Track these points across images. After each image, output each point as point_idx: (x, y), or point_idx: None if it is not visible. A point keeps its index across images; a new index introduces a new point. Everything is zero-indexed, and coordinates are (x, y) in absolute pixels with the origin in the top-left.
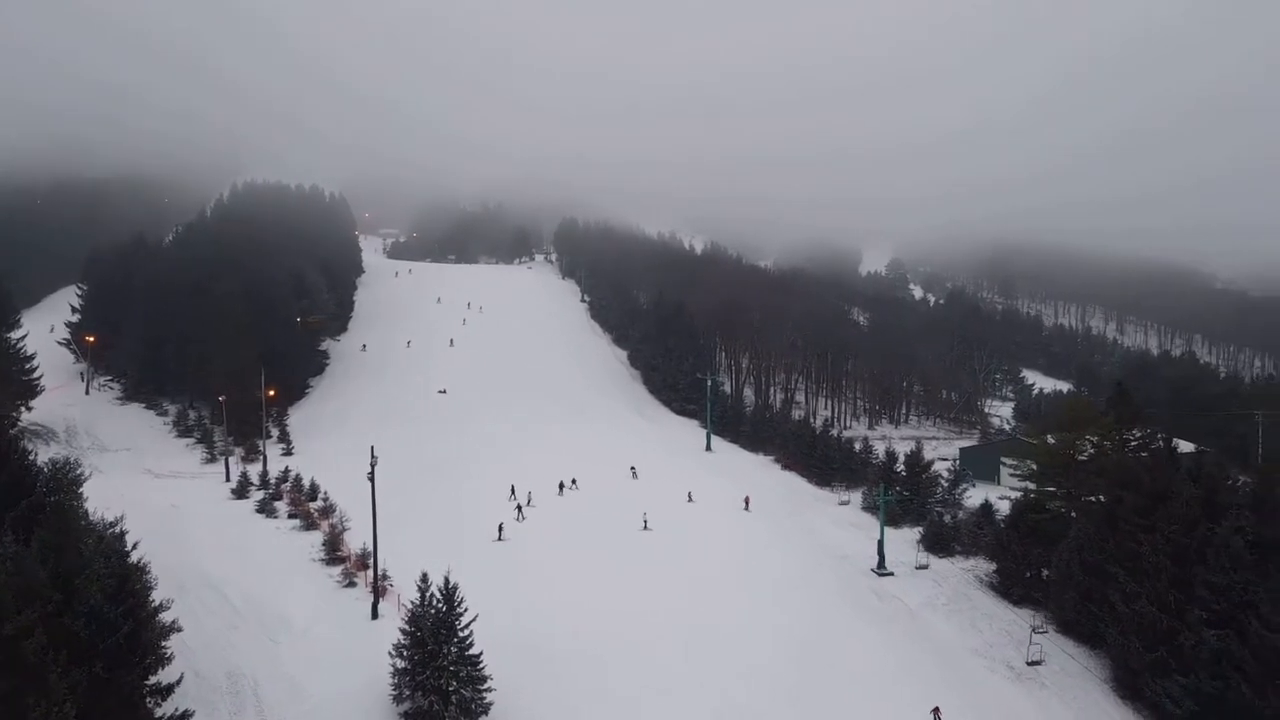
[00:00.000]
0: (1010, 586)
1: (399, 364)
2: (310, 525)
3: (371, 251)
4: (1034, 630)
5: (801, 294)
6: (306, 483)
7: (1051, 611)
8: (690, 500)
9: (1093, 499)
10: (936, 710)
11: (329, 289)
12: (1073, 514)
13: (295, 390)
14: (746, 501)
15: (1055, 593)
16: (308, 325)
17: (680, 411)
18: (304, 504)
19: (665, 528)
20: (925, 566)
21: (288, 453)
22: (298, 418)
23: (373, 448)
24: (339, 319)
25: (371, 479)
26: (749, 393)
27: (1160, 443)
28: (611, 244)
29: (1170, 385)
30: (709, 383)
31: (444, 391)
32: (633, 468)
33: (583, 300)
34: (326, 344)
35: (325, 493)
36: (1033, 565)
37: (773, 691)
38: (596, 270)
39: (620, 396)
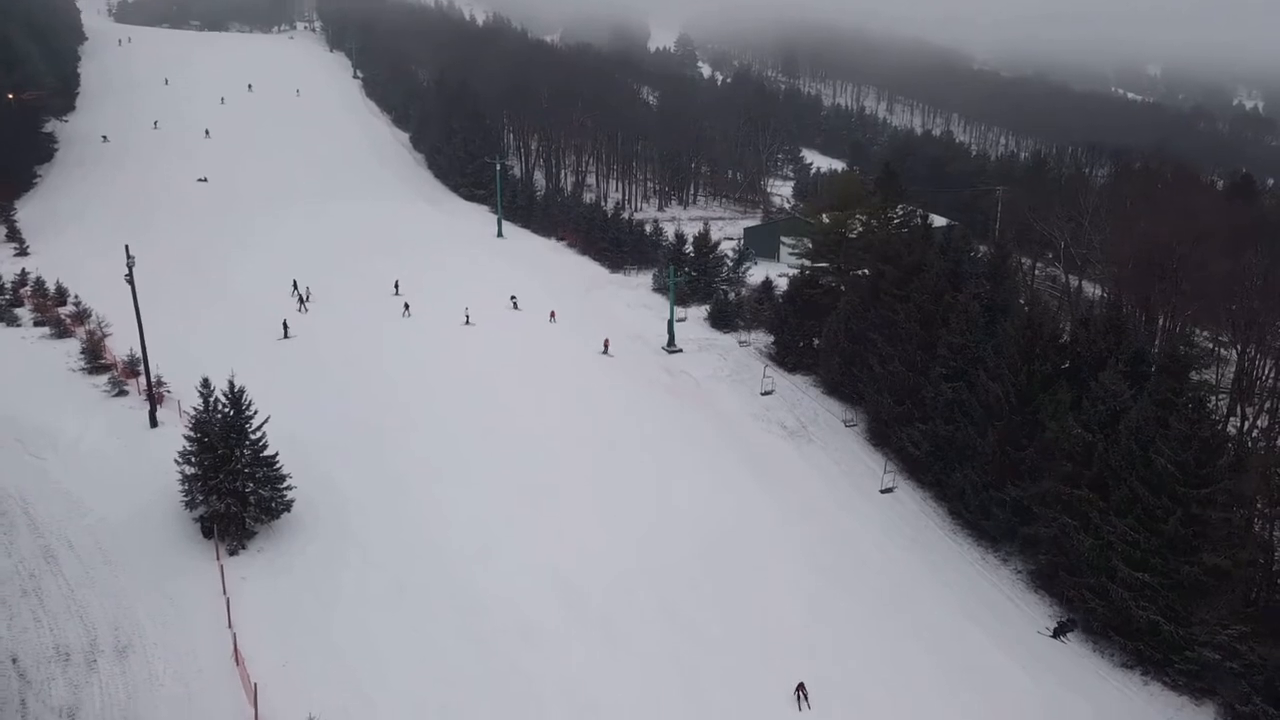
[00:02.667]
0: (786, 356)
1: (145, 149)
2: (63, 333)
3: (94, 14)
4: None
5: (591, 72)
6: (51, 286)
7: (820, 376)
8: (488, 294)
9: (860, 273)
10: (801, 686)
11: (43, 58)
12: (842, 288)
13: (19, 180)
14: (552, 315)
15: (824, 359)
16: (22, 101)
17: (469, 197)
18: (51, 309)
19: (440, 314)
20: (711, 341)
21: (22, 253)
22: (27, 213)
23: (127, 246)
24: (63, 96)
25: (130, 280)
26: (539, 176)
27: (919, 220)
28: (385, 12)
29: (929, 163)
30: (498, 166)
31: (204, 180)
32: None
33: (355, 77)
34: (52, 126)
35: (76, 297)
36: (806, 336)
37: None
38: (369, 43)
39: (405, 182)
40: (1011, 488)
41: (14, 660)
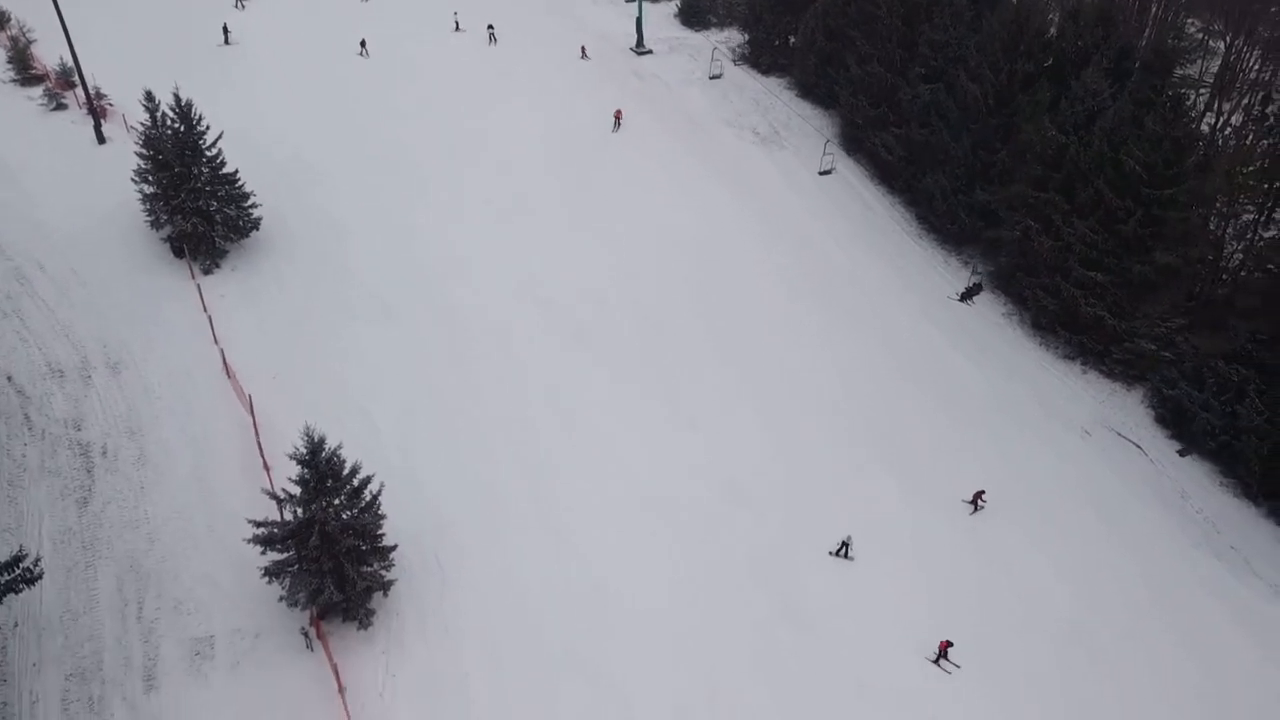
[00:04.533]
0: (760, 56)
1: None
2: None
3: None
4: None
5: None
6: None
7: (794, 77)
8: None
9: None
10: (945, 644)
11: None
12: None
13: None
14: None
15: (799, 59)
16: None
17: None
18: None
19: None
20: (682, 41)
21: None
22: None
23: None
24: None
25: None
26: None
27: None
28: None
29: None
30: None
31: None
32: None
33: None
34: None
35: None
36: (781, 34)
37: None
38: None
39: None
40: (980, 192)
41: (9, 378)
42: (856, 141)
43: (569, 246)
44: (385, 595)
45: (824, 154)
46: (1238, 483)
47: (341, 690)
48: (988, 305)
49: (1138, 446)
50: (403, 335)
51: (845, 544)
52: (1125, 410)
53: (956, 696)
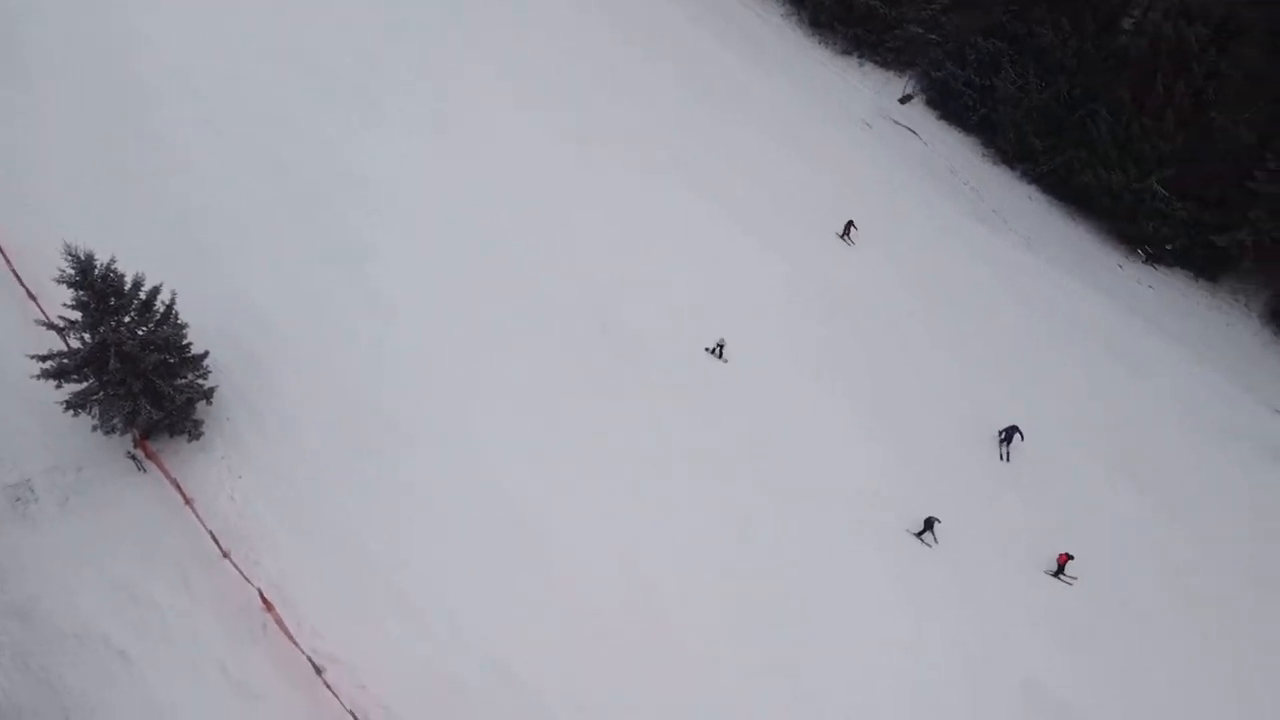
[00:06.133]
0: None
1: None
2: None
3: None
4: None
5: None
6: None
7: None
8: None
9: None
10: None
11: None
12: None
13: None
14: None
15: None
16: None
17: None
18: None
19: None
20: None
21: None
22: None
23: None
24: None
25: None
26: None
27: None
28: None
29: None
30: None
31: None
32: None
33: None
34: None
35: None
36: None
37: None
38: None
39: None
40: None
41: None
42: None
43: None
44: (210, 403)
45: None
46: (996, 152)
47: (189, 502)
48: (767, 6)
49: (912, 131)
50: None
51: None
52: (899, 98)
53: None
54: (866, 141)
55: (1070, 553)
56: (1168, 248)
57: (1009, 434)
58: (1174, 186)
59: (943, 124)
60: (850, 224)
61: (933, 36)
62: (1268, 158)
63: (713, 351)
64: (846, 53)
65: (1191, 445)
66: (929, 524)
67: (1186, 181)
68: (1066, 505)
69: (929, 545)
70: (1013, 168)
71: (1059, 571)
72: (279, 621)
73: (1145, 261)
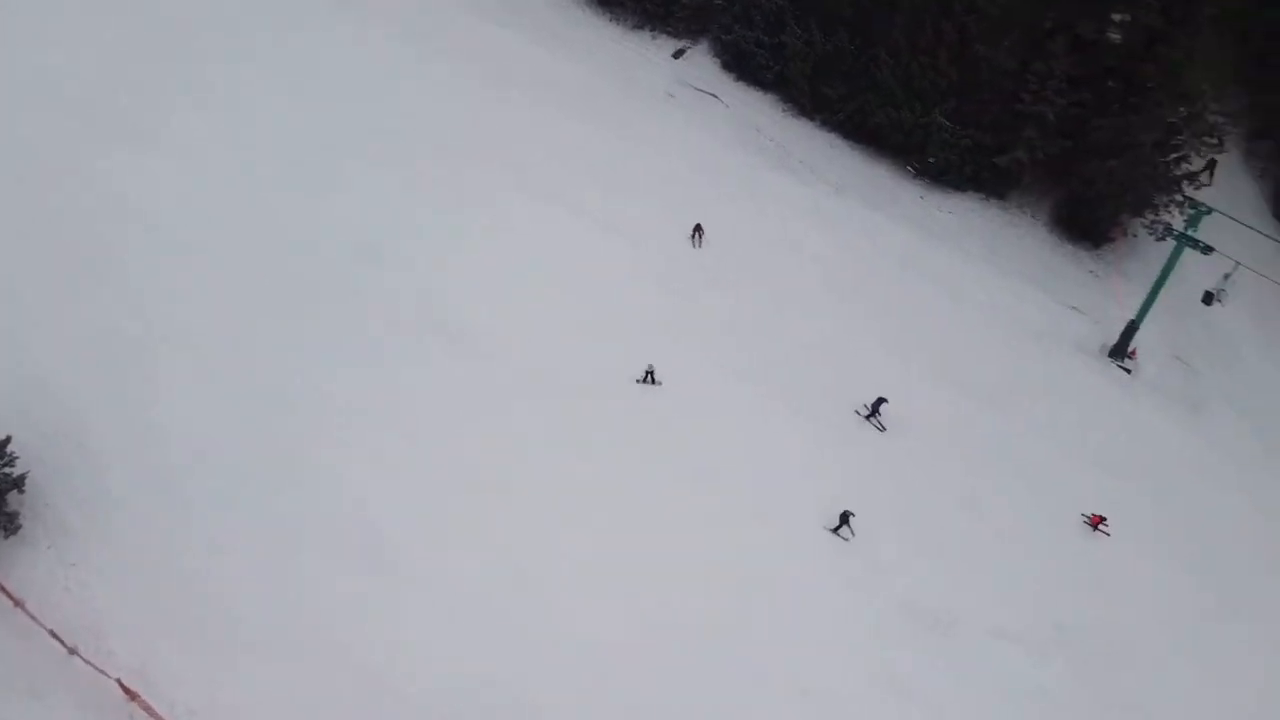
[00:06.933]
0: None
1: None
2: None
3: None
4: None
5: None
6: None
7: None
8: None
9: None
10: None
11: None
12: None
13: None
14: None
15: None
16: None
17: None
18: None
19: None
20: None
21: None
22: None
23: None
24: None
25: None
26: None
27: None
28: None
29: None
30: None
31: None
32: None
33: None
34: None
35: None
36: None
37: None
38: None
39: None
40: None
41: None
42: None
43: None
44: (22, 491)
45: None
46: (795, 106)
47: (19, 604)
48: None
49: (714, 96)
50: None
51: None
52: (697, 65)
53: None
54: (671, 111)
55: (1103, 514)
56: (930, 160)
57: (875, 406)
58: (955, 117)
59: (741, 85)
60: (698, 227)
61: (718, 1)
62: (1030, 80)
63: (645, 380)
64: (639, 27)
65: (1009, 348)
66: (844, 518)
67: (966, 111)
68: (933, 437)
69: (846, 540)
70: (812, 119)
71: (1096, 528)
72: (148, 709)
73: (915, 176)
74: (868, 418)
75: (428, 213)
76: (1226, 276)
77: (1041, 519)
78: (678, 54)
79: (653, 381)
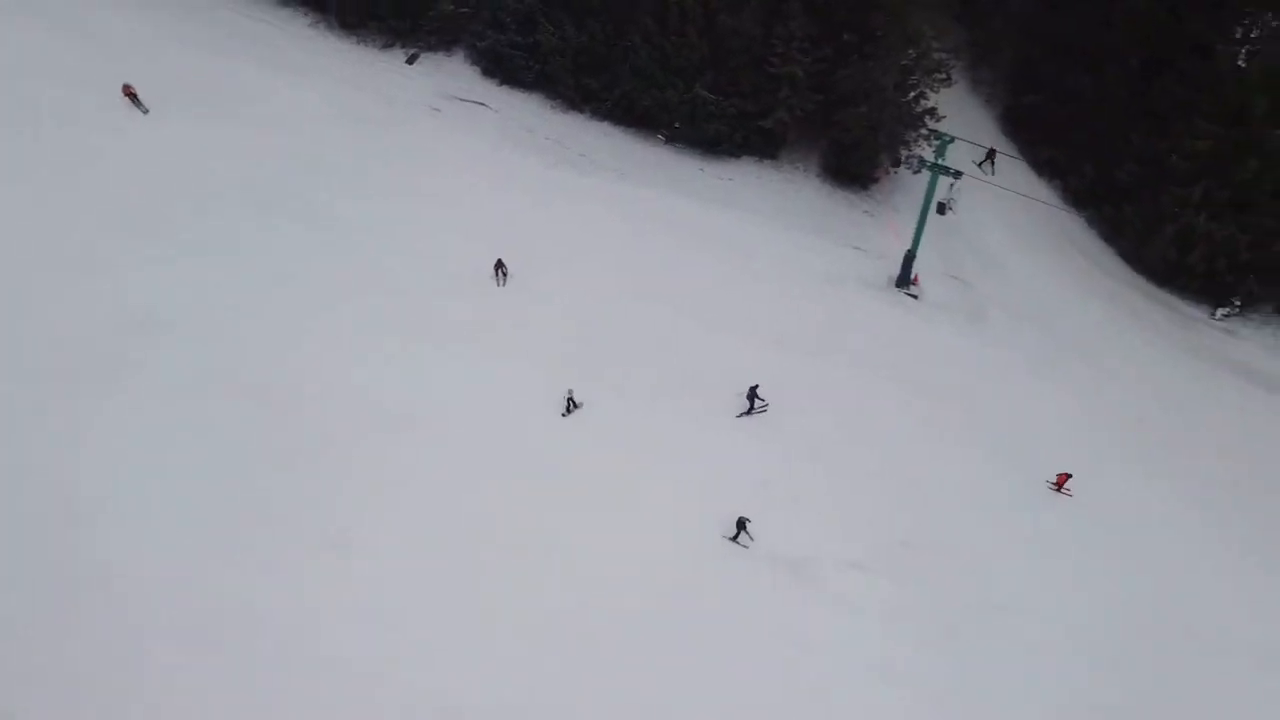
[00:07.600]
0: None
1: None
2: None
3: None
4: None
5: None
6: None
7: None
8: None
9: None
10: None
11: None
12: None
13: None
14: None
15: None
16: None
17: None
18: None
19: None
20: None
21: None
22: None
23: None
24: None
25: None
26: None
27: None
28: None
29: None
30: None
31: None
32: None
33: None
34: None
35: None
36: None
37: None
38: None
39: None
40: None
41: None
42: None
43: None
44: None
45: None
46: (562, 101)
47: None
48: (289, 18)
49: (481, 104)
50: None
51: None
52: (457, 76)
53: None
54: (441, 125)
55: (1069, 472)
56: (675, 126)
57: (751, 395)
58: (716, 89)
59: (506, 89)
60: (500, 264)
61: (465, 9)
62: (775, 44)
63: (568, 407)
64: (389, 46)
65: (809, 297)
66: (741, 525)
67: (724, 82)
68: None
69: (745, 546)
70: (581, 111)
71: (1059, 489)
72: None
73: (666, 142)
74: (748, 412)
75: None
76: (952, 186)
77: (874, 455)
78: (411, 59)
79: (574, 406)
